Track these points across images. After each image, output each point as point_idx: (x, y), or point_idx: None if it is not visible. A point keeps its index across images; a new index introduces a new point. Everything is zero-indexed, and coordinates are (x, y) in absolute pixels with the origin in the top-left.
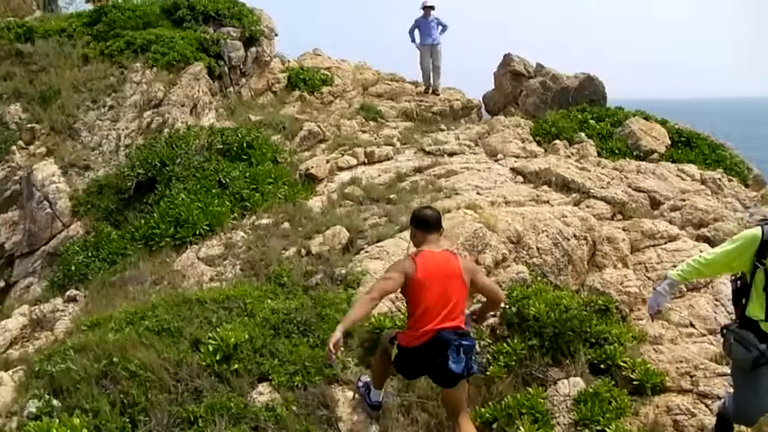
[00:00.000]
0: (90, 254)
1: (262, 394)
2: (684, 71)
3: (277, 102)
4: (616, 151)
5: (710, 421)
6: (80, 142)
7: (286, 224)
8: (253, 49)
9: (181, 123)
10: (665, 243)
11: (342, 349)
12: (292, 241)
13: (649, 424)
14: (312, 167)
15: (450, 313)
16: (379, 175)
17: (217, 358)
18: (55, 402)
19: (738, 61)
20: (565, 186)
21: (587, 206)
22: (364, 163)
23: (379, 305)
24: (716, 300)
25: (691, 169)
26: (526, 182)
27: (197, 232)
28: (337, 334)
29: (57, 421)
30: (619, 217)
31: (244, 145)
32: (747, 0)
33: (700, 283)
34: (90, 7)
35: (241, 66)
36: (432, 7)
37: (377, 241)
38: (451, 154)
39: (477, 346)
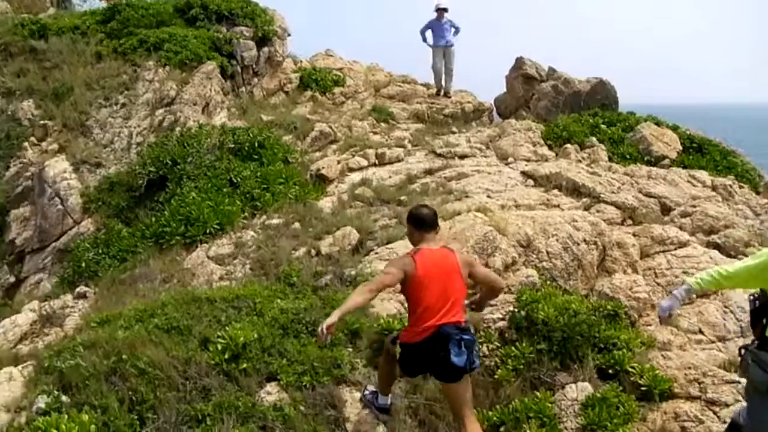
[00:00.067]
0: (100, 251)
1: (270, 393)
2: (692, 75)
3: (289, 102)
4: (627, 156)
5: (718, 428)
6: (92, 139)
7: (297, 224)
8: (266, 49)
9: (193, 122)
10: (675, 249)
11: (334, 334)
12: (302, 242)
13: (656, 430)
14: (323, 168)
15: (450, 309)
16: (390, 177)
17: (226, 357)
18: (64, 398)
19: (755, 64)
20: (575, 190)
21: (597, 211)
22: (374, 165)
23: (387, 307)
24: (725, 307)
25: (702, 175)
26: (536, 186)
27: (208, 231)
28: (333, 318)
29: (66, 416)
30: (629, 222)
31: (256, 144)
32: (747, 0)
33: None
34: (104, 4)
35: (254, 66)
36: (445, 9)
37: (387, 243)
38: (462, 157)
39: (485, 349)
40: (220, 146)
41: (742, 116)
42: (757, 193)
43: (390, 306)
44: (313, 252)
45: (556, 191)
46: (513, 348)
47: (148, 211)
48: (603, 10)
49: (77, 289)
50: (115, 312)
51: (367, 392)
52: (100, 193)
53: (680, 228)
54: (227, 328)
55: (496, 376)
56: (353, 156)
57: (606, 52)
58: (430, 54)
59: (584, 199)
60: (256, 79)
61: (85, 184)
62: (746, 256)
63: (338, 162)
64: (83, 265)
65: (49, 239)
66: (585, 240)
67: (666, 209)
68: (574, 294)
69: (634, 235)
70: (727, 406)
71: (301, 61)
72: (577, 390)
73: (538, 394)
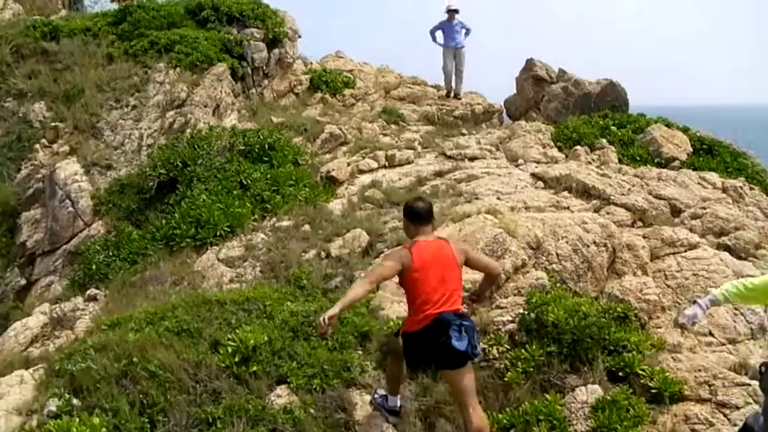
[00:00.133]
0: (111, 254)
1: (281, 396)
2: (692, 75)
3: (299, 104)
4: (638, 158)
5: (728, 430)
6: (103, 141)
7: (307, 227)
8: (276, 51)
9: (204, 124)
10: (685, 251)
11: (335, 326)
12: (312, 244)
13: None
14: (333, 170)
15: (449, 298)
16: (400, 179)
17: (236, 359)
18: (75, 401)
19: (755, 64)
20: (585, 192)
21: (607, 213)
22: (384, 167)
23: (397, 309)
24: (736, 309)
25: (713, 177)
26: (546, 188)
27: (218, 234)
28: (335, 310)
29: (77, 420)
30: (640, 224)
31: (266, 146)
32: (747, 0)
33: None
34: (115, 6)
35: (264, 67)
36: (456, 11)
37: (397, 245)
38: (472, 159)
39: (495, 352)
40: (231, 148)
41: (742, 116)
42: None
43: (399, 308)
44: (323, 254)
45: (565, 193)
46: (523, 350)
47: (159, 214)
48: (603, 10)
49: (88, 292)
50: (126, 315)
51: (377, 395)
52: (111, 196)
53: (690, 230)
54: (237, 331)
55: (505, 379)
56: (363, 158)
57: (606, 52)
58: (440, 55)
59: (594, 201)
60: (266, 81)
61: (96, 186)
62: (757, 258)
63: (348, 164)
64: (94, 267)
65: (60, 241)
66: (595, 242)
67: (676, 211)
68: (583, 296)
69: (644, 237)
70: (738, 408)
71: (311, 63)
72: (587, 392)
73: (548, 396)
